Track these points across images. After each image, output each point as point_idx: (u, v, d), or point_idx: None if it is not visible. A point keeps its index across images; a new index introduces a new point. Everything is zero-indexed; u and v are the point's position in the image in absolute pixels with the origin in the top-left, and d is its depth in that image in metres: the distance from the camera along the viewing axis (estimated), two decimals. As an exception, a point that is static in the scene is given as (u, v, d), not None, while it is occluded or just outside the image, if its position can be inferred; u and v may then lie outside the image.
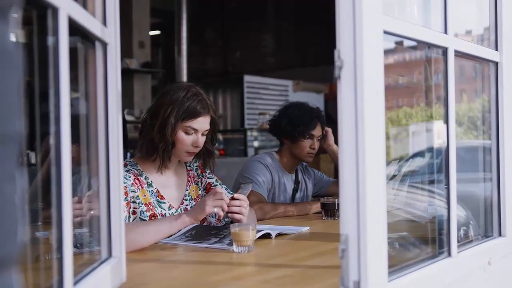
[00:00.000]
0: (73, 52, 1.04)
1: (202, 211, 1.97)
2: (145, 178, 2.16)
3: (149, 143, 2.14)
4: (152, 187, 2.16)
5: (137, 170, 2.15)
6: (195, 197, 2.29)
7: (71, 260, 0.98)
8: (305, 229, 2.28)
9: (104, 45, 1.30)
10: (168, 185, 2.22)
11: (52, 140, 0.97)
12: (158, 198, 2.15)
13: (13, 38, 0.54)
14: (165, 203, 2.16)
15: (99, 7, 1.30)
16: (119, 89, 1.35)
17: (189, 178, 2.31)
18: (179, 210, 2.20)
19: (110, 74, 1.32)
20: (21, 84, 0.55)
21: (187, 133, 2.13)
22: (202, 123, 2.14)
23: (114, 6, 1.34)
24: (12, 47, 0.52)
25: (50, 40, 0.98)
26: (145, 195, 2.11)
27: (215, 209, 1.96)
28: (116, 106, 1.33)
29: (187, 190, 2.27)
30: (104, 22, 1.30)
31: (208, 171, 2.38)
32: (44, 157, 1.22)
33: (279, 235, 2.10)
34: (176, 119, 2.09)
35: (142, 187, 2.12)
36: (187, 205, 2.24)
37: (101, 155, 1.31)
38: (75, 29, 1.08)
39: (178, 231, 2.03)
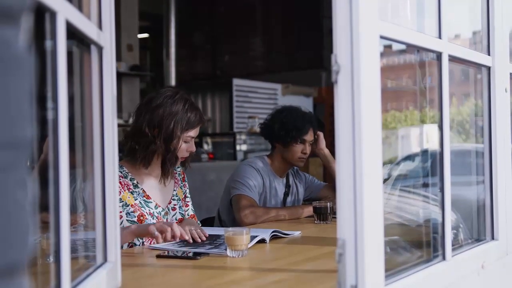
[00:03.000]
0: (68, 55, 1.03)
1: (145, 230, 1.93)
2: (131, 180, 2.21)
3: (150, 154, 2.19)
4: (138, 188, 2.22)
5: (121, 172, 2.20)
6: (182, 197, 2.39)
7: (69, 265, 0.97)
8: (297, 233, 2.27)
9: (100, 49, 1.29)
10: (155, 186, 2.29)
11: (49, 144, 0.96)
12: (144, 198, 2.21)
13: (23, 43, 0.53)
14: (151, 202, 2.23)
15: (94, 11, 1.29)
16: (114, 93, 1.34)
17: (176, 180, 2.40)
18: (166, 209, 2.28)
19: (105, 78, 1.31)
20: (32, 89, 0.54)
21: (186, 142, 2.23)
22: (197, 130, 2.27)
23: (110, 10, 1.33)
24: (24, 53, 0.52)
25: (48, 43, 0.97)
26: (129, 197, 2.16)
27: (156, 233, 1.88)
28: (111, 110, 1.32)
29: (174, 190, 2.37)
30: (100, 26, 1.30)
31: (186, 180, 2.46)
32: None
33: (273, 238, 2.10)
34: (181, 131, 2.19)
35: (125, 190, 2.17)
36: (175, 205, 2.34)
37: (96, 159, 1.30)
38: (71, 32, 1.07)
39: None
